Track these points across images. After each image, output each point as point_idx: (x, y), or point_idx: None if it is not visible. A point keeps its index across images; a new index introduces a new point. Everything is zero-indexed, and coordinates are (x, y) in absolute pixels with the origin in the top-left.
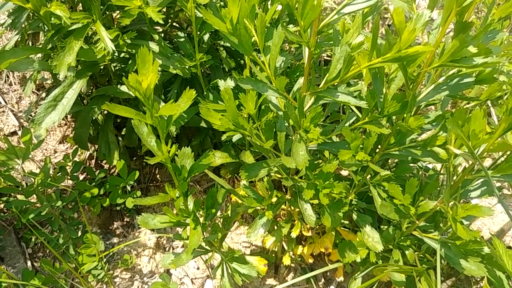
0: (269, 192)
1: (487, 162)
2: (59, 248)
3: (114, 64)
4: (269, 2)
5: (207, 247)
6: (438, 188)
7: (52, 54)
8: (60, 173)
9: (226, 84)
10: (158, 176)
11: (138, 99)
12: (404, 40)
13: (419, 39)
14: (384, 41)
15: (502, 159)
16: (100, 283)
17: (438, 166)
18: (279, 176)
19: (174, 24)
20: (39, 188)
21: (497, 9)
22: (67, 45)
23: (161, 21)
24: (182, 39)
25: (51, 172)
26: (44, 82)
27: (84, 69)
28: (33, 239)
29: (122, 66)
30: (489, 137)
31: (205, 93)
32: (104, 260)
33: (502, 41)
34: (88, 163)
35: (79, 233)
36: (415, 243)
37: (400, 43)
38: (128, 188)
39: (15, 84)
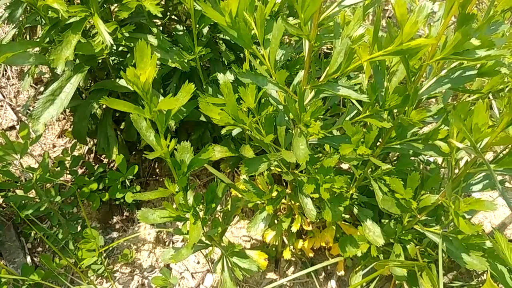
0: (269, 187)
1: (488, 156)
2: (58, 243)
3: (113, 58)
4: None
5: (207, 242)
6: (440, 182)
7: (49, 48)
8: (59, 168)
9: (225, 78)
10: (157, 170)
11: (137, 93)
12: (406, 33)
13: (420, 31)
14: (385, 33)
15: (504, 152)
16: (100, 278)
17: (439, 159)
18: (279, 170)
19: (173, 17)
20: (38, 183)
21: (499, 0)
22: (64, 39)
23: (159, 14)
24: (181, 32)
25: (50, 166)
26: (42, 76)
27: (82, 63)
28: (32, 234)
29: (121, 59)
30: (492, 130)
31: (204, 86)
32: (104, 255)
33: (504, 33)
34: (87, 158)
35: (79, 228)
36: (416, 237)
37: (402, 35)
38: (128, 182)
39: (13, 78)
